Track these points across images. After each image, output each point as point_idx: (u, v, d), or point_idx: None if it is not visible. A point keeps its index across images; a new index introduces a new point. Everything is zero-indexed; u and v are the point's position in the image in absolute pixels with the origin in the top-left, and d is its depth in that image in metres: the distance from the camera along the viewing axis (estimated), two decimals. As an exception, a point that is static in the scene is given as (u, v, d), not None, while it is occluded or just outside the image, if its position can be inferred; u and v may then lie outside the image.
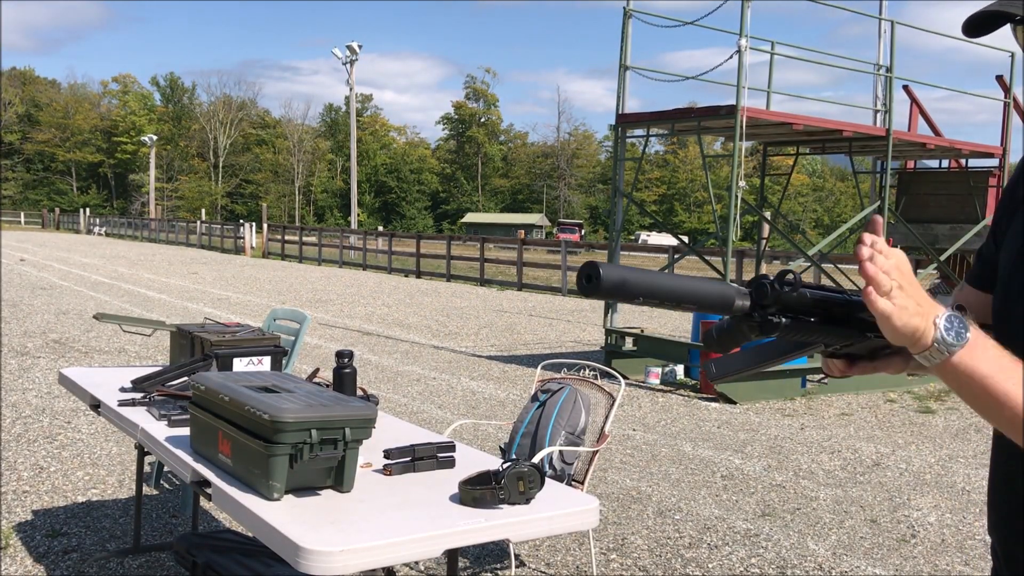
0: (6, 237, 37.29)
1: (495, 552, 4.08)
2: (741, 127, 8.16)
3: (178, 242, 40.68)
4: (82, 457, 5.47)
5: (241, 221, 39.84)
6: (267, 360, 3.43)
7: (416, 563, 3.84)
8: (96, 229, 52.93)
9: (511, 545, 3.79)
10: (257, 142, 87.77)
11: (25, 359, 8.80)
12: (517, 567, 3.98)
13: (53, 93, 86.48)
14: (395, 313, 14.70)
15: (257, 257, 32.26)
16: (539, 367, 4.32)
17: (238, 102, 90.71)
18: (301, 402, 2.20)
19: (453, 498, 2.22)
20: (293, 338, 4.59)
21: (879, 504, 5.19)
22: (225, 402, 2.27)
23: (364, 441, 2.26)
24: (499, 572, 3.93)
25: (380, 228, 61.52)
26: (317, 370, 3.47)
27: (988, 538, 1.22)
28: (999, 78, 10.96)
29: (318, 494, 2.21)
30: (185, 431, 2.63)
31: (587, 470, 3.67)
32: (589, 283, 0.86)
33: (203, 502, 4.14)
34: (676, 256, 16.88)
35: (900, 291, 0.92)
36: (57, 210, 66.35)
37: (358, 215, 45.74)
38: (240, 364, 3.36)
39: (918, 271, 12.27)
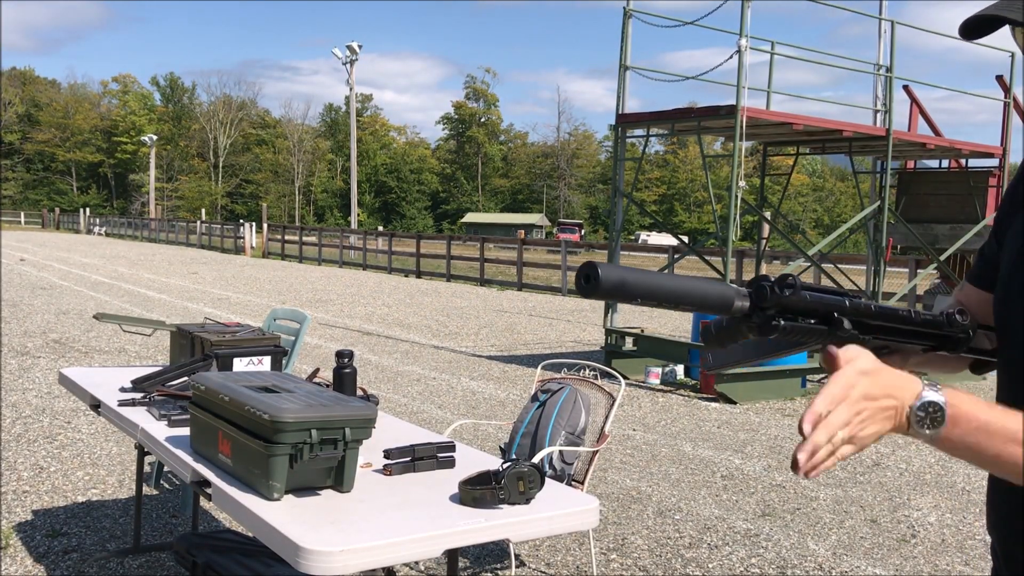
0: (6, 237, 37.30)
1: (495, 552, 4.08)
2: (741, 127, 8.16)
3: (178, 242, 40.69)
4: (82, 457, 5.47)
5: (241, 221, 39.83)
6: (267, 360, 3.43)
7: (416, 563, 3.84)
8: (96, 229, 52.94)
9: (511, 545, 3.79)
10: (257, 142, 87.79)
11: (25, 359, 8.80)
12: (517, 567, 3.98)
13: (53, 93, 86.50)
14: (395, 313, 14.70)
15: (257, 257, 32.26)
16: (539, 367, 4.32)
17: (238, 102, 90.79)
18: (301, 402, 2.20)
19: (453, 498, 2.22)
20: (293, 338, 4.59)
21: (879, 504, 5.19)
22: (225, 402, 2.27)
23: (364, 441, 2.26)
24: (499, 572, 3.93)
25: (380, 228, 61.53)
26: (317, 370, 3.47)
27: (988, 538, 1.22)
28: (999, 78, 10.96)
29: (318, 494, 2.21)
30: (185, 431, 2.63)
31: (587, 470, 3.67)
32: (588, 283, 0.86)
33: (203, 502, 4.14)
34: (676, 256, 16.88)
35: (860, 422, 0.92)
36: (57, 210, 66.37)
37: (358, 215, 45.74)
38: (240, 364, 3.36)
39: (918, 271, 12.30)
